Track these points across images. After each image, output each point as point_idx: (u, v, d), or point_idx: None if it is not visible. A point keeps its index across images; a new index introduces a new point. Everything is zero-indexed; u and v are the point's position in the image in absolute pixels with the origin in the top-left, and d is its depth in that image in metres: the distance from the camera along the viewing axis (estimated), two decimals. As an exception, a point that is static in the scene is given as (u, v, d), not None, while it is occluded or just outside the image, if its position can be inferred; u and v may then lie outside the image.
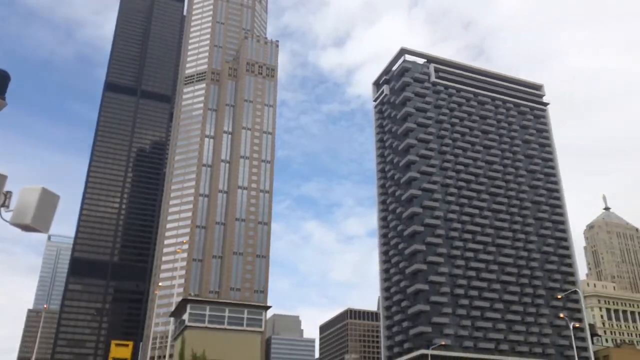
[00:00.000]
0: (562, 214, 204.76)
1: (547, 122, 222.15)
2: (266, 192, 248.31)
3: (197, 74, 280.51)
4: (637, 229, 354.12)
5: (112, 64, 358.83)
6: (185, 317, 68.50)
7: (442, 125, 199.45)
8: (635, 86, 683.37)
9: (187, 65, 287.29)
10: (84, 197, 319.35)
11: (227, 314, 69.41)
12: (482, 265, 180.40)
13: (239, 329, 68.99)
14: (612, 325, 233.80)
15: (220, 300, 74.47)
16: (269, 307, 71.85)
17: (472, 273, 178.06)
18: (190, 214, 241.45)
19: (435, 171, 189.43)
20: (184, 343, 66.88)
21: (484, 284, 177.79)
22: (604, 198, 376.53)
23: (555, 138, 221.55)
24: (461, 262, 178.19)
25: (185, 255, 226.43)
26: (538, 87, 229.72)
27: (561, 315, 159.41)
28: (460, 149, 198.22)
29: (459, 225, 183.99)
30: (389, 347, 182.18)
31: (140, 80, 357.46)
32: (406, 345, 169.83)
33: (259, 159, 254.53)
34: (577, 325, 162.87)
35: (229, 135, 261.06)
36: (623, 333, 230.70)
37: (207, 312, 68.69)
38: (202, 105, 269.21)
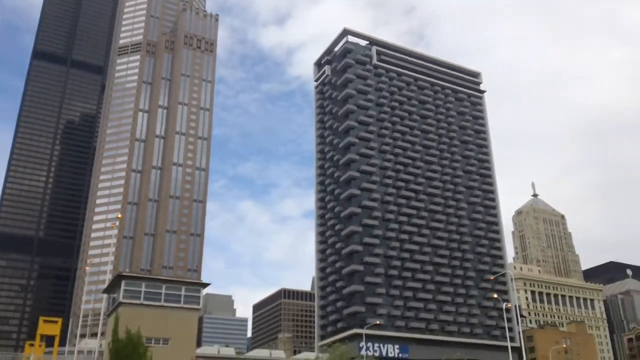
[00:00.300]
0: (493, 199, 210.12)
1: (483, 110, 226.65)
2: (202, 169, 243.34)
3: (131, 45, 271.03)
4: (562, 216, 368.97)
5: (41, 31, 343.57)
6: (120, 293, 65.93)
7: (382, 108, 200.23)
8: (563, 78, 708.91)
9: (122, 35, 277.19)
10: (8, 170, 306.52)
11: (163, 290, 67.36)
12: (416, 247, 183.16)
13: (176, 307, 67.19)
14: (536, 307, 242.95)
15: (157, 277, 71.96)
16: (207, 285, 70.09)
17: (406, 255, 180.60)
18: (121, 189, 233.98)
19: (374, 154, 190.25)
20: (118, 320, 64.62)
21: (417, 266, 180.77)
22: (533, 185, 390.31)
23: (490, 125, 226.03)
24: (396, 244, 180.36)
25: (115, 232, 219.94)
26: (476, 75, 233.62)
27: (494, 295, 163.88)
28: (399, 132, 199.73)
29: (395, 208, 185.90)
30: (322, 326, 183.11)
31: (70, 49, 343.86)
32: (340, 325, 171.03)
33: (195, 135, 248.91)
34: (509, 305, 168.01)
35: (165, 110, 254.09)
36: (546, 315, 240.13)
37: (143, 289, 66.39)
38: (136, 77, 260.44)
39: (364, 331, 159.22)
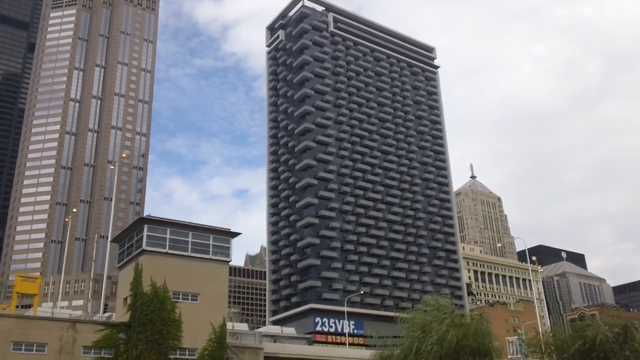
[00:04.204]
0: (446, 176, 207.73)
1: (437, 85, 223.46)
2: (143, 134, 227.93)
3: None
4: (499, 198, 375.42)
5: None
6: (143, 239, 55.86)
7: (338, 77, 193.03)
8: (492, 67, 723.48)
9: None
10: None
11: (190, 239, 57.95)
12: (371, 222, 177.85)
13: (205, 257, 57.97)
14: (478, 286, 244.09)
15: (183, 222, 61.64)
16: (237, 234, 60.99)
17: (362, 229, 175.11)
18: (54, 153, 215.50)
19: (331, 124, 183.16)
20: (141, 271, 54.73)
21: (373, 241, 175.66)
22: (471, 167, 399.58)
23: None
24: (352, 218, 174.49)
25: (47, 197, 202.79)
26: (430, 50, 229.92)
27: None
28: (356, 103, 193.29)
29: (351, 181, 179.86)
30: (274, 301, 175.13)
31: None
32: (294, 299, 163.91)
33: (135, 98, 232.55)
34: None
35: (102, 69, 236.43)
36: (488, 294, 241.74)
37: (168, 236, 56.93)
38: (71, 33, 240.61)
39: (318, 306, 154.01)
